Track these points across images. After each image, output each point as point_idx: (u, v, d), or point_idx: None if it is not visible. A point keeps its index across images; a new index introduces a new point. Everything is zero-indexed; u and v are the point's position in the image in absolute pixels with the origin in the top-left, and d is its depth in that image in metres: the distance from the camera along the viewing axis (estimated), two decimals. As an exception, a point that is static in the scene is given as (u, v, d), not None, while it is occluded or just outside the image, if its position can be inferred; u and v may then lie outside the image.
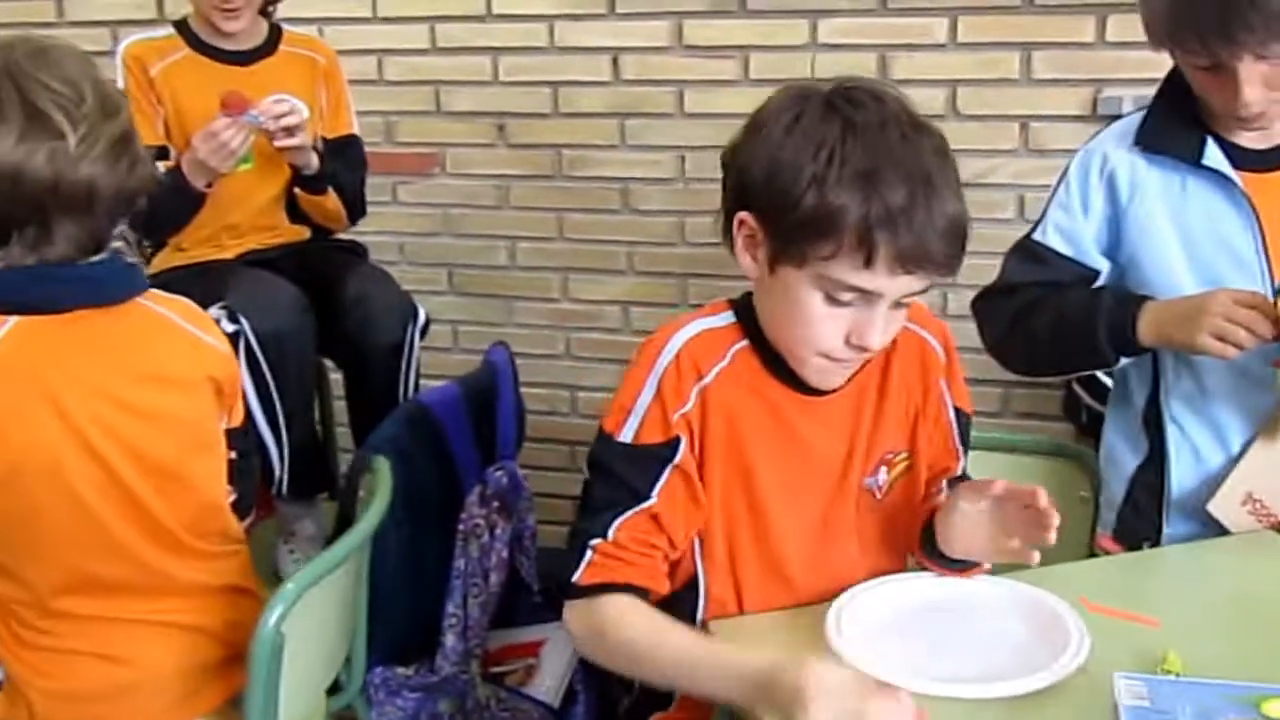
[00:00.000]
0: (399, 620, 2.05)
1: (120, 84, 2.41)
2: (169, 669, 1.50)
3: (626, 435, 1.27)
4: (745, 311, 1.33)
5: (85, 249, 1.37)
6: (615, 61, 2.89)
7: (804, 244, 1.18)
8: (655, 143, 2.91)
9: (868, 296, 1.19)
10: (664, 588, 1.29)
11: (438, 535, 2.05)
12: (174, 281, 2.04)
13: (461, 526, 2.09)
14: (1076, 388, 2.53)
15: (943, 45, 2.68)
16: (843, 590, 1.30)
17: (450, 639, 2.10)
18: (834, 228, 1.16)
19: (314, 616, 1.48)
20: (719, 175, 2.81)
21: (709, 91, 2.84)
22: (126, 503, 1.42)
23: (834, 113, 1.20)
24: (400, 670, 2.11)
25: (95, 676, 1.46)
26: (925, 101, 2.73)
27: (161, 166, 2.36)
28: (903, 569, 1.39)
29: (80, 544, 1.41)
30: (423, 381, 2.49)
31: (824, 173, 1.16)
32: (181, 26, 2.45)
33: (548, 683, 2.21)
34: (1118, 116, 2.59)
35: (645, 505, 1.26)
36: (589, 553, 1.25)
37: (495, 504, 2.15)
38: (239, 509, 1.61)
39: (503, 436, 2.21)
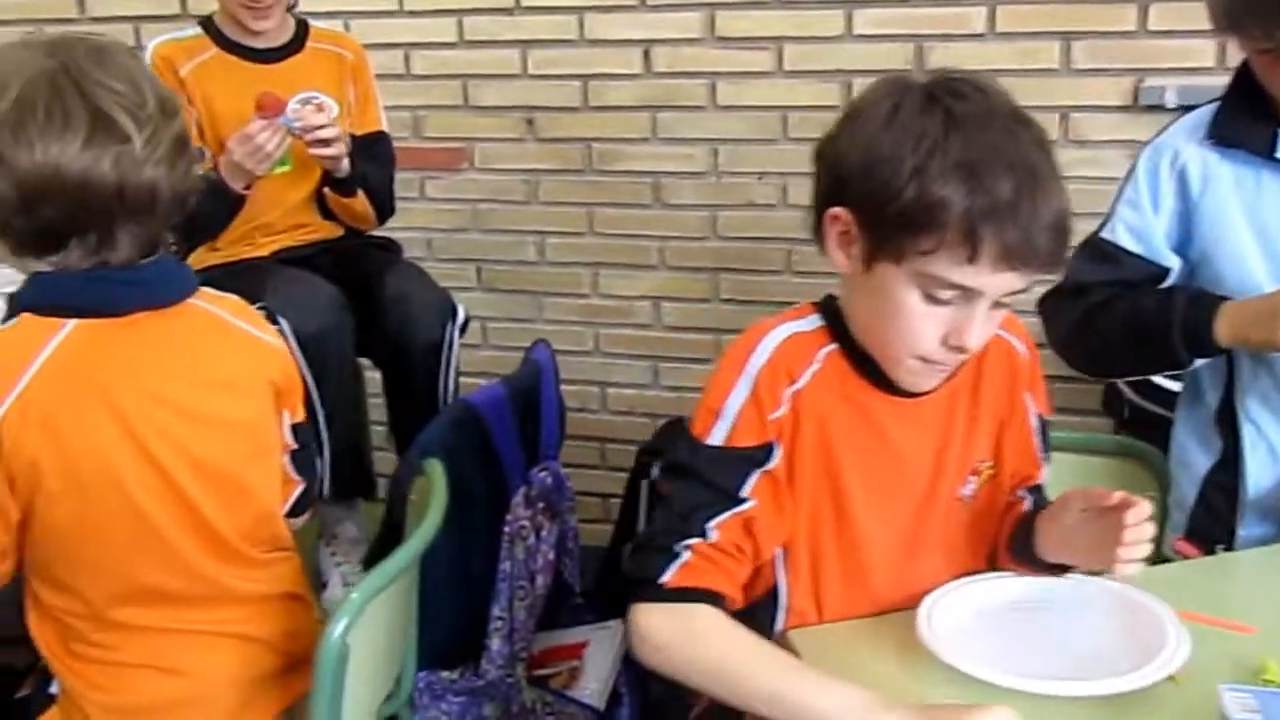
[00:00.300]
0: (444, 624, 2.02)
1: None
2: (225, 680, 1.47)
3: (717, 438, 1.23)
4: (832, 314, 1.29)
5: (145, 252, 1.35)
6: (646, 54, 2.85)
7: (903, 239, 1.14)
8: (687, 136, 2.87)
9: (968, 294, 1.16)
10: (740, 600, 1.26)
11: (483, 538, 2.02)
12: (209, 282, 2.00)
13: (507, 529, 2.06)
14: (1118, 382, 2.50)
15: (980, 35, 2.64)
16: (923, 599, 1.27)
17: (496, 642, 2.07)
18: (936, 222, 1.12)
19: (375, 626, 1.45)
20: (752, 169, 2.83)
21: (742, 83, 2.81)
22: (184, 512, 1.39)
23: (935, 104, 1.16)
24: (445, 674, 2.09)
25: (151, 689, 1.43)
26: (963, 92, 2.70)
27: (199, 169, 2.34)
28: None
29: (138, 555, 1.38)
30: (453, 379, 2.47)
31: (925, 164, 1.12)
32: (208, 25, 2.42)
33: (593, 685, 2.18)
34: (1159, 107, 2.58)
35: (740, 508, 1.22)
36: (684, 553, 1.20)
37: (540, 505, 2.13)
38: (304, 499, 1.60)
39: (546, 436, 2.18)
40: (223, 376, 1.43)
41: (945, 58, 2.66)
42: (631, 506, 2.33)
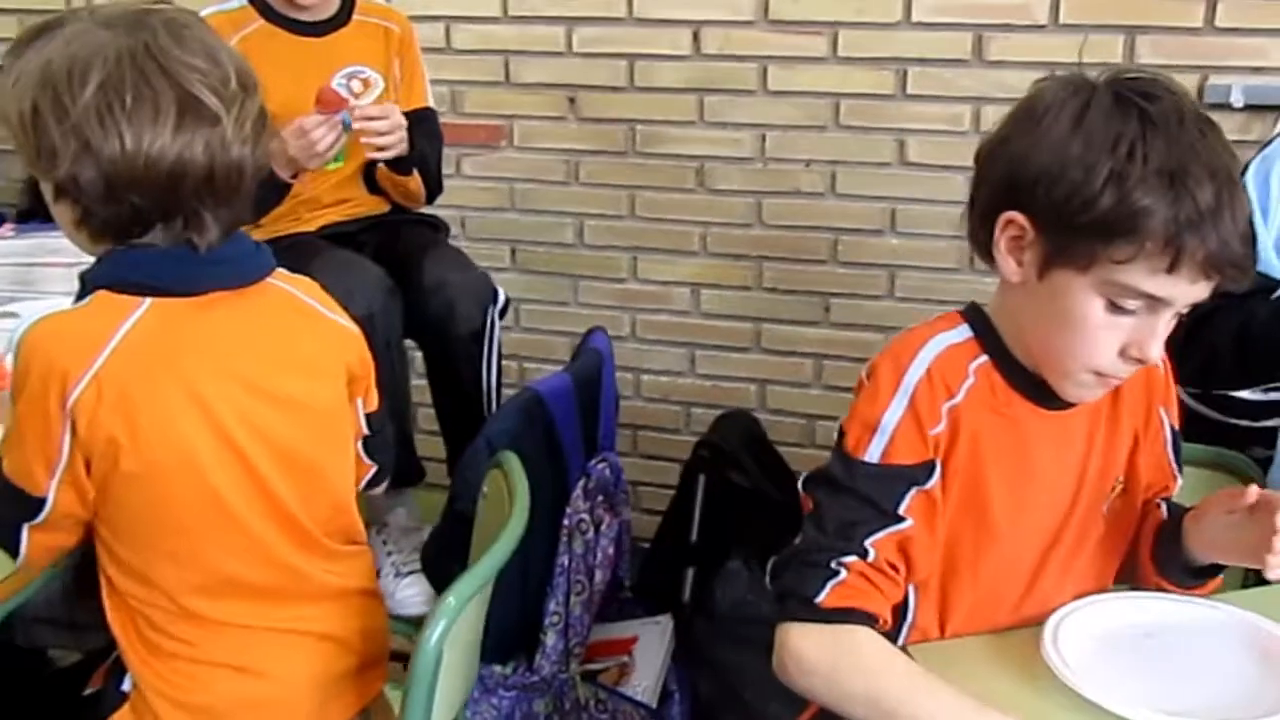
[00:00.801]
0: (500, 618, 1.96)
1: None
2: (304, 681, 1.42)
3: (873, 455, 1.17)
4: (981, 324, 1.24)
5: (228, 232, 1.31)
6: (696, 35, 2.78)
7: (1095, 246, 1.09)
8: (735, 120, 2.81)
9: (1154, 304, 1.11)
10: (891, 621, 1.20)
11: (545, 531, 1.97)
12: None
13: (566, 522, 2.02)
14: (1180, 391, 2.46)
15: (1043, 26, 2.58)
16: (1048, 618, 1.23)
17: (551, 637, 2.03)
18: (1137, 229, 1.07)
19: (464, 628, 1.40)
20: (800, 155, 2.77)
21: (794, 68, 2.74)
22: (264, 498, 1.34)
23: (1127, 105, 1.10)
24: (498, 668, 2.04)
25: (228, 689, 1.38)
26: (1021, 85, 2.62)
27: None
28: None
29: (217, 542, 1.33)
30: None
31: (1125, 169, 1.07)
32: None
33: (645, 682, 2.14)
34: (1225, 105, 2.54)
35: (898, 527, 1.16)
36: (842, 571, 1.14)
37: (599, 498, 2.08)
38: (377, 477, 1.58)
39: (604, 426, 2.13)
40: (301, 359, 1.39)
41: (1005, 48, 2.61)
42: (685, 499, 2.29)
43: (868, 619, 1.15)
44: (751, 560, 2.18)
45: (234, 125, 1.25)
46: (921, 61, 2.67)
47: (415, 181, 2.36)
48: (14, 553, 1.34)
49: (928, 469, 1.18)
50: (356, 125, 2.18)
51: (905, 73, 2.68)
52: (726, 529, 2.18)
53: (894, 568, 1.17)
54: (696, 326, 2.97)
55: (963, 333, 1.23)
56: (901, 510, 1.16)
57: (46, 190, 1.29)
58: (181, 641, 1.35)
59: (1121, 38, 2.55)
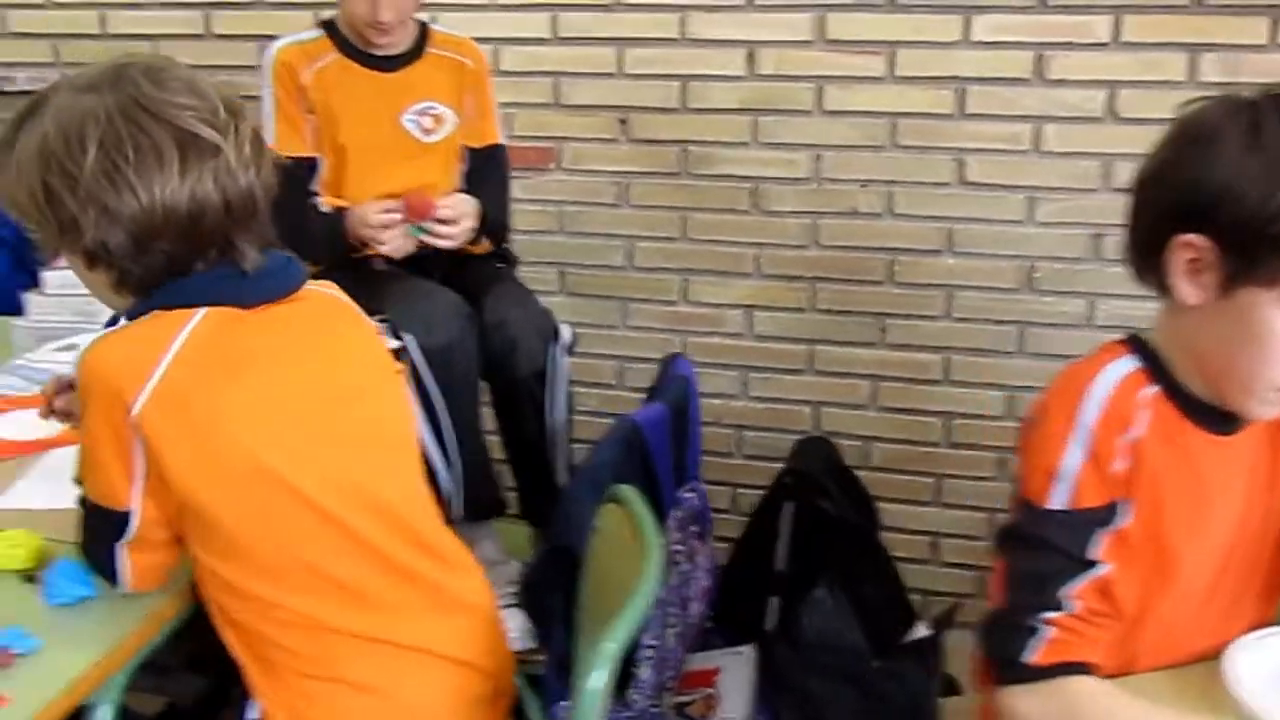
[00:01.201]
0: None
1: (268, 91, 2.27)
2: (434, 706, 1.38)
3: (1058, 502, 1.15)
4: (1146, 353, 1.21)
5: (262, 249, 1.34)
6: (750, 55, 2.76)
7: None
8: (789, 140, 2.78)
9: None
10: (1109, 664, 1.17)
11: (642, 563, 1.93)
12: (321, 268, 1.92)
13: (661, 553, 1.97)
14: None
15: (1104, 44, 2.57)
16: (1225, 650, 1.20)
17: (646, 671, 1.98)
18: None
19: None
20: (856, 176, 2.74)
21: (851, 88, 2.72)
22: (354, 491, 1.33)
23: None
24: (589, 705, 1.98)
25: (350, 709, 1.33)
26: (1082, 103, 2.65)
27: (322, 201, 2.26)
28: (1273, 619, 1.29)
29: (315, 543, 1.31)
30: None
31: None
32: (330, 28, 2.31)
33: (734, 714, 2.10)
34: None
35: (1093, 573, 1.14)
36: (1046, 629, 1.12)
37: (691, 528, 2.03)
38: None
39: (691, 455, 2.09)
40: (357, 352, 1.43)
41: (1066, 67, 2.60)
42: (767, 527, 2.25)
43: (1083, 669, 1.12)
44: (836, 588, 2.14)
45: (235, 151, 1.27)
46: (981, 80, 2.65)
47: (482, 246, 2.35)
48: (112, 578, 1.32)
49: (1113, 509, 1.16)
50: (424, 237, 2.18)
51: (964, 91, 2.66)
52: (812, 557, 2.14)
53: (1099, 613, 1.14)
54: (749, 349, 2.94)
55: (1129, 363, 1.21)
56: (1095, 555, 1.14)
57: (77, 264, 1.31)
58: (295, 654, 1.31)
59: (1184, 56, 2.54)
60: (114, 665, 1.26)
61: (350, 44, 2.27)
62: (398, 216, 2.15)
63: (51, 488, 1.58)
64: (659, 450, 1.89)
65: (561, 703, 1.96)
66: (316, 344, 1.37)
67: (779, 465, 2.86)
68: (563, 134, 2.90)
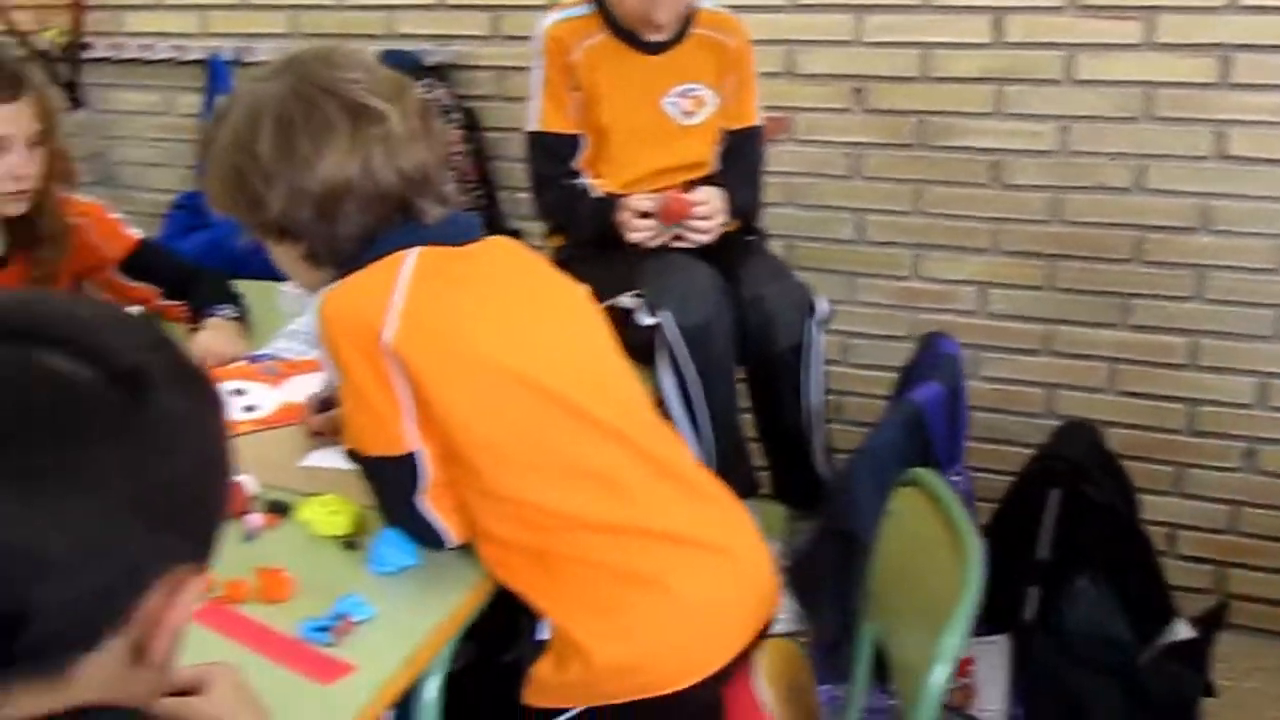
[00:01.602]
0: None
1: (539, 66, 2.27)
2: (718, 600, 1.39)
3: None
4: None
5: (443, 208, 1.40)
6: (997, 22, 2.65)
7: None
8: (1035, 111, 2.67)
9: None
10: None
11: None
12: (574, 263, 1.90)
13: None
14: None
15: (1391, 7, 2.40)
16: None
17: (909, 658, 1.92)
18: None
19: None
20: (1106, 149, 2.62)
21: (1104, 56, 2.59)
22: (592, 384, 1.39)
23: None
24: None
25: (638, 603, 1.34)
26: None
27: (591, 183, 2.25)
28: None
29: (572, 436, 1.34)
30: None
31: None
32: (600, 4, 2.29)
33: (992, 705, 2.03)
34: None
35: None
36: None
37: (961, 513, 1.97)
38: None
39: (959, 437, 2.02)
40: (560, 282, 1.49)
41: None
42: (1029, 513, 2.17)
43: None
44: (1100, 578, 2.06)
45: (402, 120, 1.32)
46: (1249, 48, 2.50)
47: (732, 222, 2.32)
48: (429, 536, 1.34)
49: None
50: (678, 232, 2.17)
51: (1230, 59, 2.51)
52: (1077, 545, 2.06)
53: None
54: (982, 328, 2.84)
55: None
56: None
57: (269, 242, 1.39)
58: (570, 559, 1.33)
59: None
60: (447, 633, 1.26)
61: (618, 24, 2.25)
62: (652, 209, 2.13)
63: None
64: (938, 432, 1.83)
65: (823, 686, 1.92)
66: (525, 270, 1.45)
67: (1007, 448, 2.77)
68: (796, 104, 2.84)
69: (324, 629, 1.21)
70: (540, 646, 1.36)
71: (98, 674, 0.69)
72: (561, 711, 1.35)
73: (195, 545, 0.73)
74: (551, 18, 2.29)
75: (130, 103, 3.41)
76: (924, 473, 1.53)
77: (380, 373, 1.27)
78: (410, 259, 1.33)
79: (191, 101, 3.31)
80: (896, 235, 2.85)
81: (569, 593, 1.33)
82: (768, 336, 2.13)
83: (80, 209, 2.16)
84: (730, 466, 2.07)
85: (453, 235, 1.38)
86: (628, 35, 2.25)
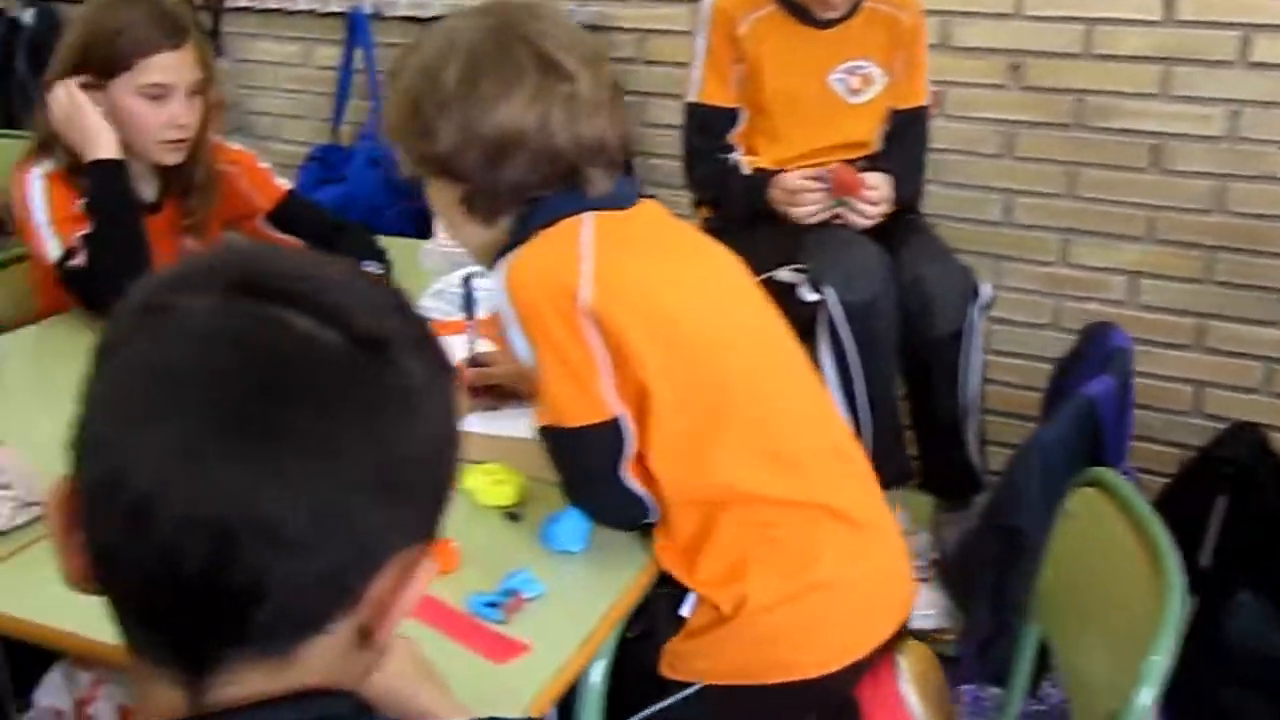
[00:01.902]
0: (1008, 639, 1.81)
1: (702, 36, 2.22)
2: (852, 579, 1.34)
3: None
4: None
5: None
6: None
7: None
8: (1204, 94, 2.54)
9: None
10: None
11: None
12: (725, 234, 1.83)
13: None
14: None
15: None
16: None
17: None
18: None
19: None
20: (1278, 136, 2.48)
21: (1284, 39, 2.46)
22: (765, 350, 1.38)
23: None
24: (994, 690, 1.88)
25: (792, 578, 1.31)
26: None
27: (744, 162, 2.18)
28: None
29: (747, 399, 1.33)
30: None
31: None
32: None
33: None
34: None
35: None
36: None
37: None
38: None
39: (1126, 435, 1.93)
40: (715, 248, 1.45)
41: None
42: (1191, 520, 2.07)
43: None
44: (1263, 592, 1.96)
45: (590, 86, 1.28)
46: None
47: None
48: (631, 509, 1.31)
49: None
50: (840, 209, 2.11)
51: None
52: (1241, 555, 1.96)
53: None
54: (1131, 319, 2.72)
55: None
56: None
57: (430, 178, 1.35)
58: (741, 528, 1.30)
59: None
60: (619, 614, 1.22)
61: None
62: (818, 185, 2.06)
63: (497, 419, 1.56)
64: (1109, 429, 1.75)
65: (966, 686, 1.86)
66: (681, 235, 1.43)
67: (1149, 446, 2.66)
68: (949, 78, 2.74)
69: (494, 605, 1.17)
70: (679, 623, 1.32)
71: (322, 656, 0.66)
72: (686, 685, 1.32)
73: (427, 523, 0.69)
74: None
75: (269, 53, 3.41)
76: (1107, 473, 1.45)
77: (579, 335, 1.25)
78: (588, 224, 1.30)
79: (329, 54, 3.31)
80: (1046, 219, 2.75)
81: (722, 564, 1.30)
82: (927, 320, 2.06)
83: (231, 157, 2.16)
84: (885, 452, 2.01)
85: (618, 200, 1.36)
86: (798, 8, 2.18)
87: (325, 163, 3.14)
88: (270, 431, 0.60)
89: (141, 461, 0.60)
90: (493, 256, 1.36)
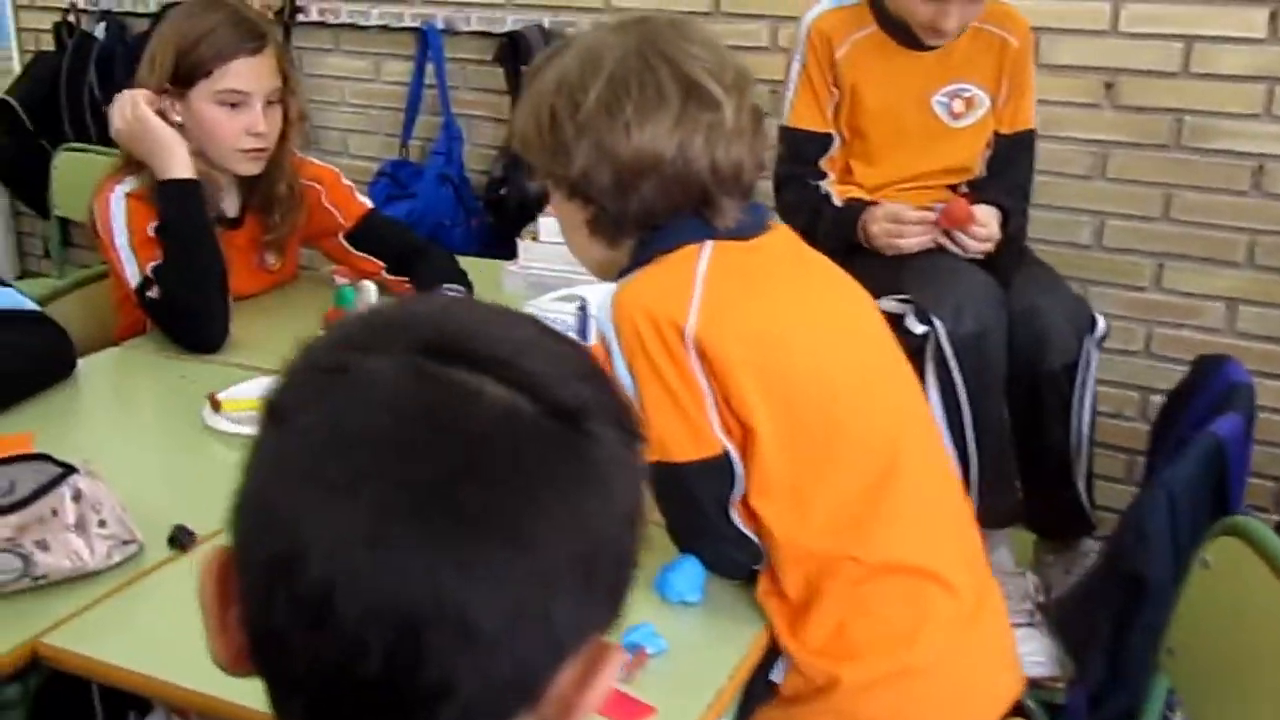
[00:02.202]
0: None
1: (798, 59, 2.15)
2: (956, 657, 1.27)
3: None
4: None
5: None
6: (1274, 16, 2.43)
7: None
8: (1311, 116, 2.45)
9: None
10: None
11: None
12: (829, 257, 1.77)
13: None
14: None
15: None
16: None
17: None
18: None
19: None
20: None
21: (1397, 58, 2.36)
22: (881, 392, 1.31)
23: None
24: None
25: (894, 652, 1.24)
26: None
27: (835, 192, 2.11)
28: None
29: (858, 441, 1.26)
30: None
31: None
32: None
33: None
34: None
35: None
36: None
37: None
38: None
39: (1245, 475, 1.83)
40: (844, 280, 1.39)
41: None
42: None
43: None
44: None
45: (733, 114, 1.24)
46: None
47: None
48: (743, 553, 1.26)
49: None
50: (943, 240, 2.04)
51: None
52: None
53: None
54: (1228, 347, 2.61)
55: None
56: None
57: (558, 195, 1.32)
58: (843, 592, 1.23)
59: None
60: (743, 676, 1.15)
61: (892, 19, 2.11)
62: (930, 218, 1.99)
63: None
64: (1235, 470, 1.66)
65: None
66: (810, 265, 1.38)
67: (1255, 481, 2.56)
68: (1040, 96, 2.64)
69: (616, 660, 1.11)
70: (770, 689, 1.26)
71: None
72: None
73: (613, 609, 0.63)
74: (818, 9, 2.16)
75: (338, 68, 3.38)
76: (1250, 523, 1.37)
77: (683, 367, 1.21)
78: (705, 254, 1.26)
79: (399, 69, 3.27)
80: (1138, 242, 2.65)
81: (823, 633, 1.23)
82: (1040, 352, 1.97)
83: (314, 173, 2.13)
84: (995, 491, 1.92)
85: (743, 230, 1.30)
86: (901, 30, 2.10)
87: (395, 179, 3.10)
88: (465, 515, 0.54)
89: (322, 542, 0.54)
90: (614, 275, 1.32)
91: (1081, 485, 2.03)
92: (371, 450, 0.55)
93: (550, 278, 2.12)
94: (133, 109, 1.84)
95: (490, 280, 2.18)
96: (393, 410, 0.56)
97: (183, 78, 1.87)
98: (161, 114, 1.87)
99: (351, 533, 0.53)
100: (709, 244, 1.26)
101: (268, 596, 0.56)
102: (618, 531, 0.60)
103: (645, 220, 1.27)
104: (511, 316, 0.63)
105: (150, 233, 1.85)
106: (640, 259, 1.28)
